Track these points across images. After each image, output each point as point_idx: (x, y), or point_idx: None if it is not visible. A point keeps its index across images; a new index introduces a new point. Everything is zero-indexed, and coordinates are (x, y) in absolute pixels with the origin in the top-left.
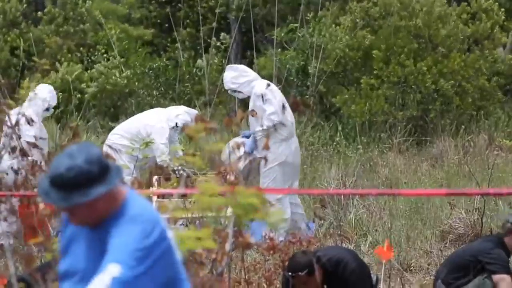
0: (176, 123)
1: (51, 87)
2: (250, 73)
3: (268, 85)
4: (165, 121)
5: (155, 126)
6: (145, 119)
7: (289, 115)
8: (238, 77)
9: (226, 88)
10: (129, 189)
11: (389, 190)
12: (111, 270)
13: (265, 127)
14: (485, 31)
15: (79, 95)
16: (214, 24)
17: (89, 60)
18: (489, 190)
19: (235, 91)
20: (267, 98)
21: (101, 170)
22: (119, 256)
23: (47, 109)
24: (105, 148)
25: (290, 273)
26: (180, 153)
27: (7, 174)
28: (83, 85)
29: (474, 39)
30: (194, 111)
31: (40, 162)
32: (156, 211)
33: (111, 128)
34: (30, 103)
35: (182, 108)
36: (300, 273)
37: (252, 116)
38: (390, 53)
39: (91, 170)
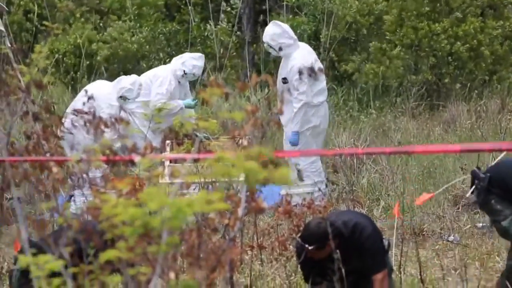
0: (184, 71)
1: (196, 55)
2: (292, 37)
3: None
4: (170, 72)
5: (158, 74)
6: (151, 72)
7: (322, 81)
8: (280, 35)
9: (264, 40)
10: None
11: (402, 148)
12: None
13: (295, 109)
14: None
15: (90, 60)
16: None
17: (101, 26)
18: (501, 144)
19: (270, 47)
20: (303, 78)
21: None
22: None
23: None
24: (121, 113)
25: (300, 241)
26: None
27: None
28: (94, 46)
29: (488, 5)
30: (199, 54)
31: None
32: None
33: None
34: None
35: (186, 55)
36: (308, 246)
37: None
38: (403, 16)
39: None
